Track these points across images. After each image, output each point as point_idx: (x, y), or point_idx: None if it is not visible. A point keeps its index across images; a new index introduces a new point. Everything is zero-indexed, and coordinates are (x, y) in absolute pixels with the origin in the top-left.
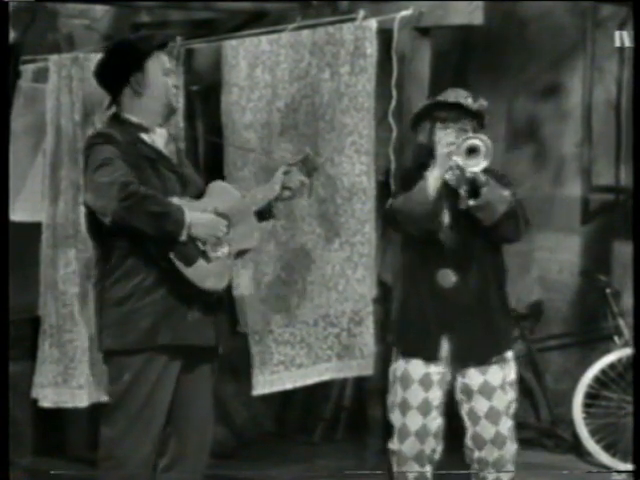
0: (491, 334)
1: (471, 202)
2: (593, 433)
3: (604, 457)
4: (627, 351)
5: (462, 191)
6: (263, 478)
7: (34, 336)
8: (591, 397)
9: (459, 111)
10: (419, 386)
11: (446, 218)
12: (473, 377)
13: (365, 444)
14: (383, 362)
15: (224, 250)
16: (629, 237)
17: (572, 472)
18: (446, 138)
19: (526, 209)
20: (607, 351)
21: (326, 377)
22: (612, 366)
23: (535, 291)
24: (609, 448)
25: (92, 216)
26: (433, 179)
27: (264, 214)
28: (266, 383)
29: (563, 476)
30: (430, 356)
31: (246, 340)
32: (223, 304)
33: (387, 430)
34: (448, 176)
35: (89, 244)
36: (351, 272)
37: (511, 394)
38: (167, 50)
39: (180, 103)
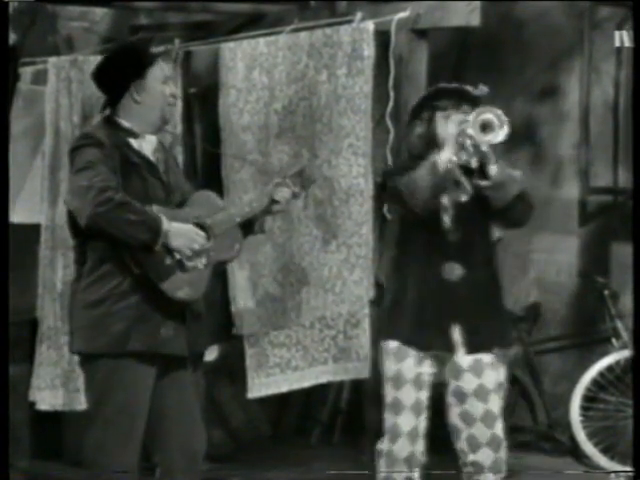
0: (498, 323)
1: (483, 183)
2: (591, 436)
3: (602, 460)
4: (625, 353)
5: (474, 172)
6: None
7: (32, 338)
8: (589, 400)
9: (460, 98)
10: (412, 386)
11: (449, 211)
12: (468, 380)
13: (362, 447)
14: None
15: (202, 260)
16: (627, 238)
17: (570, 474)
18: (455, 119)
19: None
20: (605, 353)
21: (322, 380)
22: (610, 369)
23: (533, 293)
24: (607, 451)
25: (72, 217)
26: (444, 157)
27: (251, 227)
28: (262, 386)
29: (560, 478)
30: (437, 346)
31: (242, 343)
32: (198, 314)
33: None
34: (457, 158)
35: None
36: (348, 274)
37: (502, 396)
38: (166, 54)
39: (178, 106)
